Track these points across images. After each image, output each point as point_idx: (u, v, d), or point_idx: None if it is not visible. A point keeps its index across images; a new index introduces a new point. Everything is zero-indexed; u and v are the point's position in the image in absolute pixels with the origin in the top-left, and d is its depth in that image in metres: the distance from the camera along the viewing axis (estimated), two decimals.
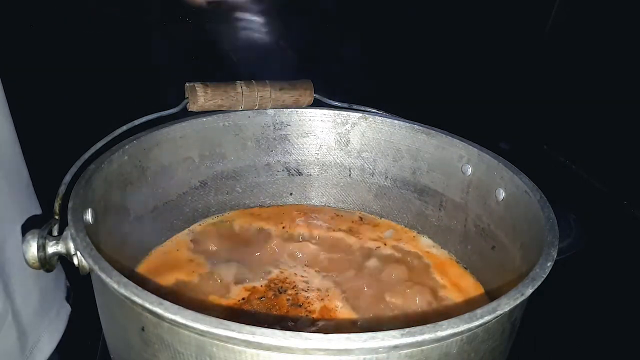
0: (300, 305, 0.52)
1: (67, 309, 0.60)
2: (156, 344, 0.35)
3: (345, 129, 0.65)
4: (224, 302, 0.51)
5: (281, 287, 0.54)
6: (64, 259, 0.42)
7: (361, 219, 0.66)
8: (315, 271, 0.57)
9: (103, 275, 0.35)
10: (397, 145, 0.63)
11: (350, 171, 0.67)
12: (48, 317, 0.57)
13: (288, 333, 0.30)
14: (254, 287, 0.54)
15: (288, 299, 0.53)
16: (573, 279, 0.62)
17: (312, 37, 0.88)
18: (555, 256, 0.40)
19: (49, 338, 0.56)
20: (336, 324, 0.50)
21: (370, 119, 0.64)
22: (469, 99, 0.96)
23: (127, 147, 0.52)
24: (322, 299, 0.53)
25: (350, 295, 0.53)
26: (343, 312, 0.51)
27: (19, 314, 0.52)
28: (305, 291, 0.54)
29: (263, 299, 0.52)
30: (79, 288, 0.62)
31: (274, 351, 0.31)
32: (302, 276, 0.56)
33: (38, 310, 0.55)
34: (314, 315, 0.51)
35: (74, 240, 0.39)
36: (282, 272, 0.56)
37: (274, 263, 0.57)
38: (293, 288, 0.54)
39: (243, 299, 0.52)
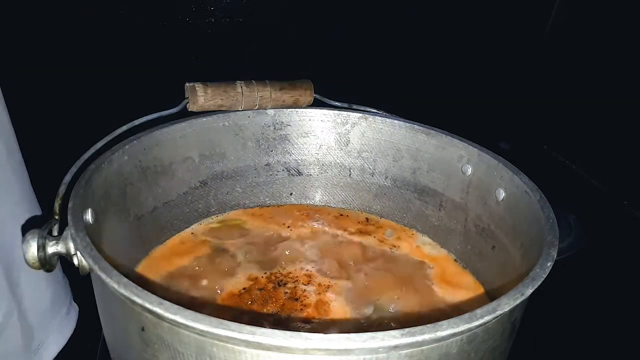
0: (296, 299, 0.53)
1: (76, 309, 0.61)
2: (156, 344, 0.35)
3: (345, 129, 0.65)
4: (224, 291, 0.53)
5: (281, 281, 0.55)
6: (64, 259, 0.42)
7: (367, 219, 0.66)
8: (315, 268, 0.57)
9: (103, 275, 0.35)
10: (397, 145, 0.63)
11: (350, 171, 0.67)
12: (58, 317, 0.57)
13: (288, 333, 0.30)
14: (256, 279, 0.55)
15: (286, 292, 0.53)
16: (573, 279, 0.62)
17: (312, 36, 0.88)
18: (555, 256, 0.40)
19: (57, 337, 0.56)
20: (330, 321, 0.50)
21: (370, 119, 0.64)
22: (469, 99, 0.96)
23: (127, 147, 0.52)
24: (319, 294, 0.54)
25: (348, 293, 0.54)
26: (338, 309, 0.52)
27: (27, 314, 0.52)
28: (306, 285, 0.55)
29: (262, 290, 0.53)
30: (79, 288, 0.62)
31: (274, 351, 0.31)
32: (302, 272, 0.56)
33: (48, 309, 0.55)
34: (309, 310, 0.51)
35: (74, 240, 0.39)
36: (283, 268, 0.57)
37: (275, 259, 0.58)
38: (293, 282, 0.55)
39: (244, 289, 0.53)
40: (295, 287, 0.54)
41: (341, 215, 0.67)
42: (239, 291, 0.53)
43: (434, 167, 0.61)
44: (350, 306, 0.52)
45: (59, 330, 0.57)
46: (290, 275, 0.56)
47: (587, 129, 0.91)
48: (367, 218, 0.67)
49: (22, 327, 0.51)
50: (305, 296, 0.53)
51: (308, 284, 0.55)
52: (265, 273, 0.56)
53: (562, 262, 0.43)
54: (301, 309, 0.51)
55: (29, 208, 0.53)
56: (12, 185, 0.50)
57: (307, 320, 0.50)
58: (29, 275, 0.51)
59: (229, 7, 0.81)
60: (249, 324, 0.30)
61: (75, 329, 0.60)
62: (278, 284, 0.55)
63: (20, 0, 0.71)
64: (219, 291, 0.53)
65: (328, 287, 0.55)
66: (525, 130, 1.00)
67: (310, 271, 0.57)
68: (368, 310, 0.52)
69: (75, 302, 0.61)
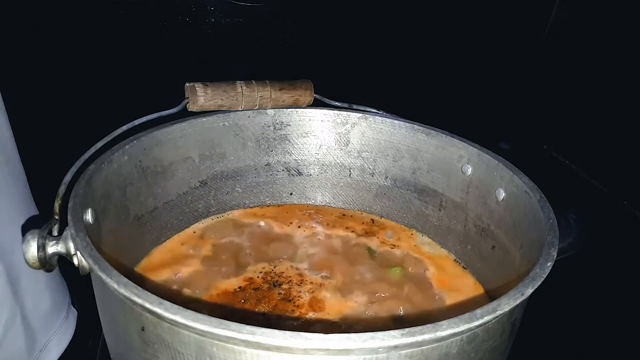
0: (290, 300, 0.53)
1: (74, 313, 0.61)
2: (156, 344, 0.35)
3: (345, 129, 0.65)
4: (219, 289, 0.53)
5: (277, 281, 0.55)
6: (64, 261, 0.42)
7: (373, 221, 0.66)
8: (312, 268, 0.57)
9: (103, 275, 0.35)
10: (397, 145, 0.63)
11: (350, 171, 0.67)
12: (58, 321, 0.57)
13: (288, 333, 0.30)
14: (251, 279, 0.55)
15: (280, 293, 0.53)
16: (573, 279, 0.62)
17: (312, 36, 0.88)
18: (555, 256, 0.40)
19: (57, 341, 0.57)
20: (325, 321, 0.50)
21: (370, 119, 0.64)
22: (469, 99, 0.96)
23: (127, 147, 0.52)
24: (312, 292, 0.54)
25: (344, 293, 0.54)
26: (334, 309, 0.52)
27: (29, 317, 0.52)
28: (299, 285, 0.55)
29: (257, 290, 0.53)
30: (79, 289, 0.62)
31: (274, 351, 0.31)
32: (297, 272, 0.57)
33: (49, 312, 0.55)
34: (302, 310, 0.51)
35: (74, 240, 0.39)
36: (280, 268, 0.57)
37: (273, 259, 0.58)
38: (287, 283, 0.55)
39: (239, 287, 0.54)
40: (290, 288, 0.54)
41: (343, 215, 0.67)
42: (234, 290, 0.53)
43: (434, 167, 0.61)
44: (347, 307, 0.52)
45: (60, 333, 0.57)
46: (284, 275, 0.56)
47: (587, 129, 0.91)
48: (372, 219, 0.66)
49: (25, 331, 0.51)
50: (299, 297, 0.53)
51: (301, 283, 0.55)
52: (261, 273, 0.56)
53: (562, 262, 0.43)
54: (293, 310, 0.51)
55: (26, 210, 0.53)
56: (8, 188, 0.50)
57: (299, 321, 0.50)
58: (28, 279, 0.51)
59: (228, 7, 0.81)
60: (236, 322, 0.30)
61: (75, 329, 0.60)
62: (274, 284, 0.55)
63: (20, 0, 0.71)
64: (214, 290, 0.53)
65: (324, 287, 0.54)
66: (525, 130, 1.00)
67: (306, 272, 0.57)
68: (366, 311, 0.52)
69: (73, 306, 0.61)
